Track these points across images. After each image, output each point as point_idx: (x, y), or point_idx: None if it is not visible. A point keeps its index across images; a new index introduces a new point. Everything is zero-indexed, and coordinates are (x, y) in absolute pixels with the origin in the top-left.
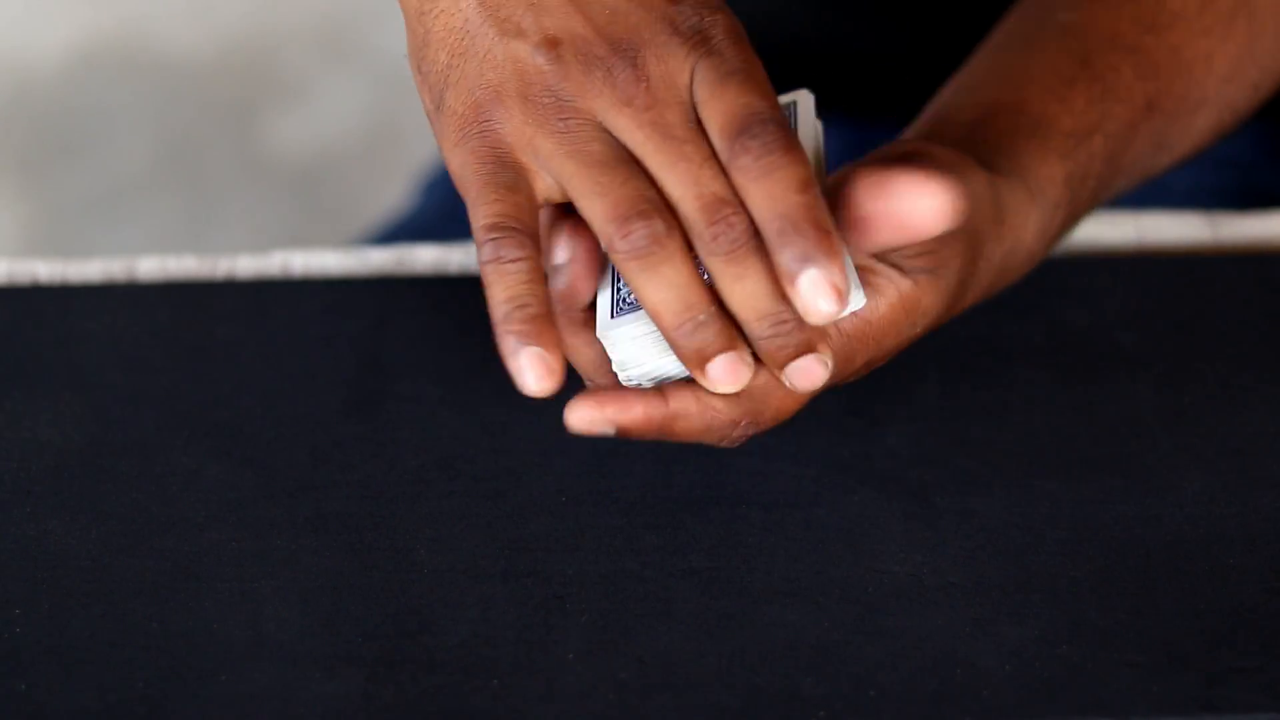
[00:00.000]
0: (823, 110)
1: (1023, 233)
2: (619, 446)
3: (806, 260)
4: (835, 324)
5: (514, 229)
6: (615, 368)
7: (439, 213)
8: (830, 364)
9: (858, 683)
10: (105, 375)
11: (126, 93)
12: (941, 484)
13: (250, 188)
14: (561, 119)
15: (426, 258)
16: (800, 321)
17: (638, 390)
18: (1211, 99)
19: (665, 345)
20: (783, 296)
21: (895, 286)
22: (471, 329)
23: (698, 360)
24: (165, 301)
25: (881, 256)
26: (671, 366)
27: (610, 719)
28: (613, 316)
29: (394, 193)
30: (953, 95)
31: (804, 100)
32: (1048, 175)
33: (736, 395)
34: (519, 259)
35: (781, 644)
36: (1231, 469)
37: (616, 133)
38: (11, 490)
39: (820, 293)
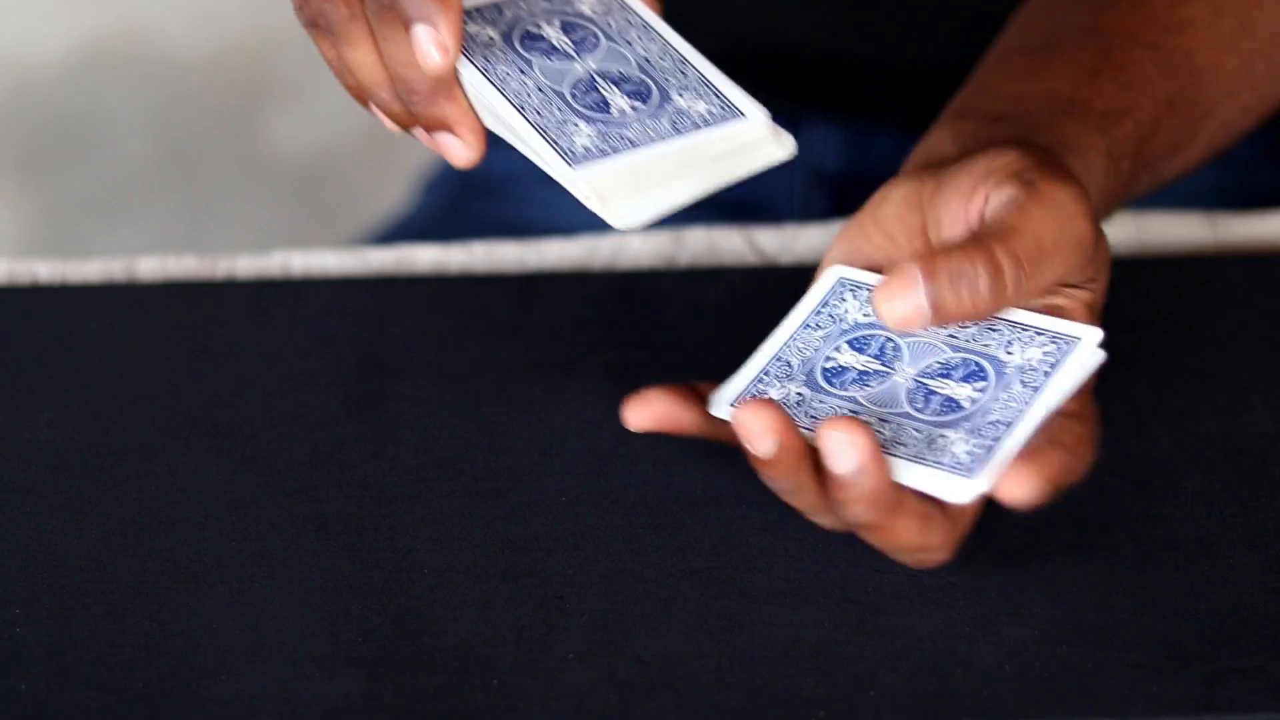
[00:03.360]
0: (821, 113)
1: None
2: (619, 446)
3: (416, 14)
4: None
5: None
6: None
7: (439, 213)
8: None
9: (858, 683)
10: (105, 375)
11: (127, 93)
12: None
13: (250, 188)
14: None
15: (426, 258)
16: (435, 89)
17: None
18: (1215, 112)
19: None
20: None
21: (1079, 302)
22: (471, 329)
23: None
24: (165, 301)
25: (1060, 287)
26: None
27: (610, 719)
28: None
29: (394, 193)
30: (971, 97)
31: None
32: (1092, 145)
33: (946, 514)
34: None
35: (781, 644)
36: (1231, 469)
37: None
38: (11, 490)
39: (426, 48)
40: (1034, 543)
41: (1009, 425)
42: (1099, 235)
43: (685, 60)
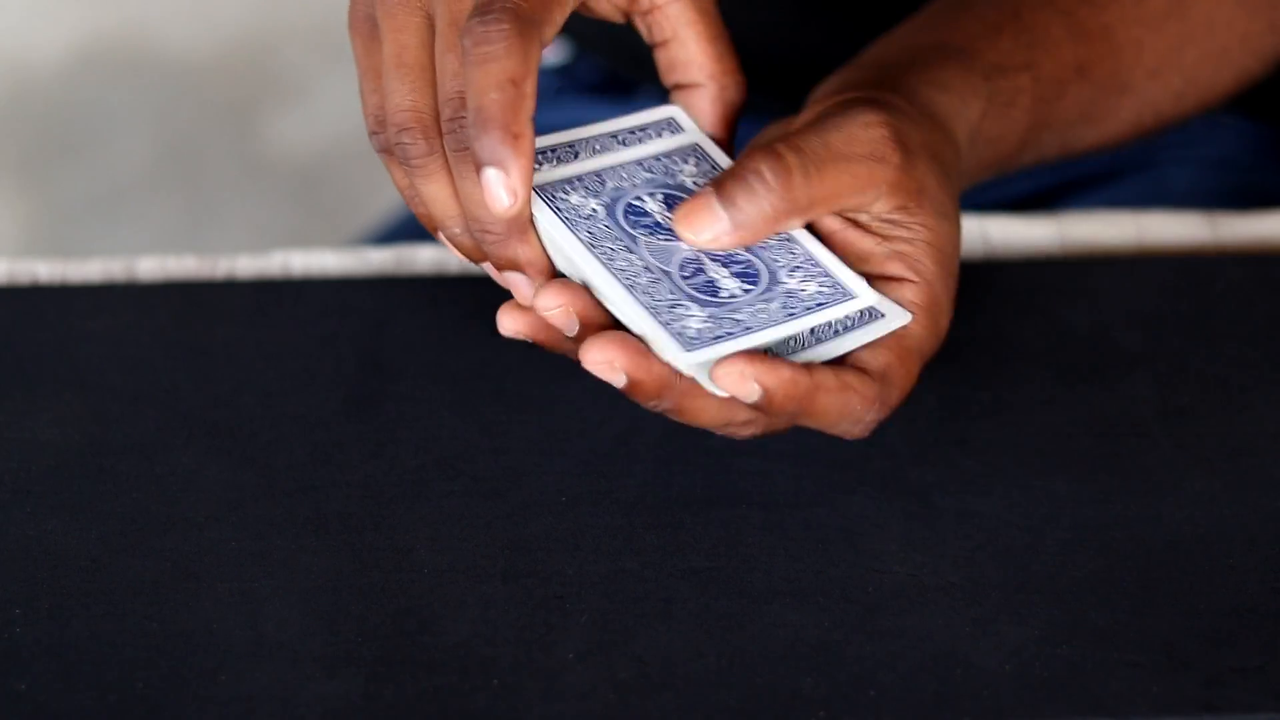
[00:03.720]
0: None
1: (955, 135)
2: (619, 447)
3: (488, 158)
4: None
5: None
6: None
7: None
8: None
9: (858, 683)
10: (105, 375)
11: (126, 93)
12: (941, 484)
13: (250, 188)
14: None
15: (426, 258)
16: (508, 231)
17: (786, 360)
18: (1137, 88)
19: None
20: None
21: (920, 240)
22: (471, 329)
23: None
24: (165, 301)
25: (885, 224)
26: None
27: (610, 719)
28: (686, 349)
29: (394, 193)
30: (874, 47)
31: (677, 114)
32: (970, 85)
33: (869, 372)
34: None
35: (781, 644)
36: (1231, 469)
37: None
38: (11, 490)
39: (496, 190)
40: (1034, 543)
41: (747, 330)
42: (907, 157)
43: (791, 238)
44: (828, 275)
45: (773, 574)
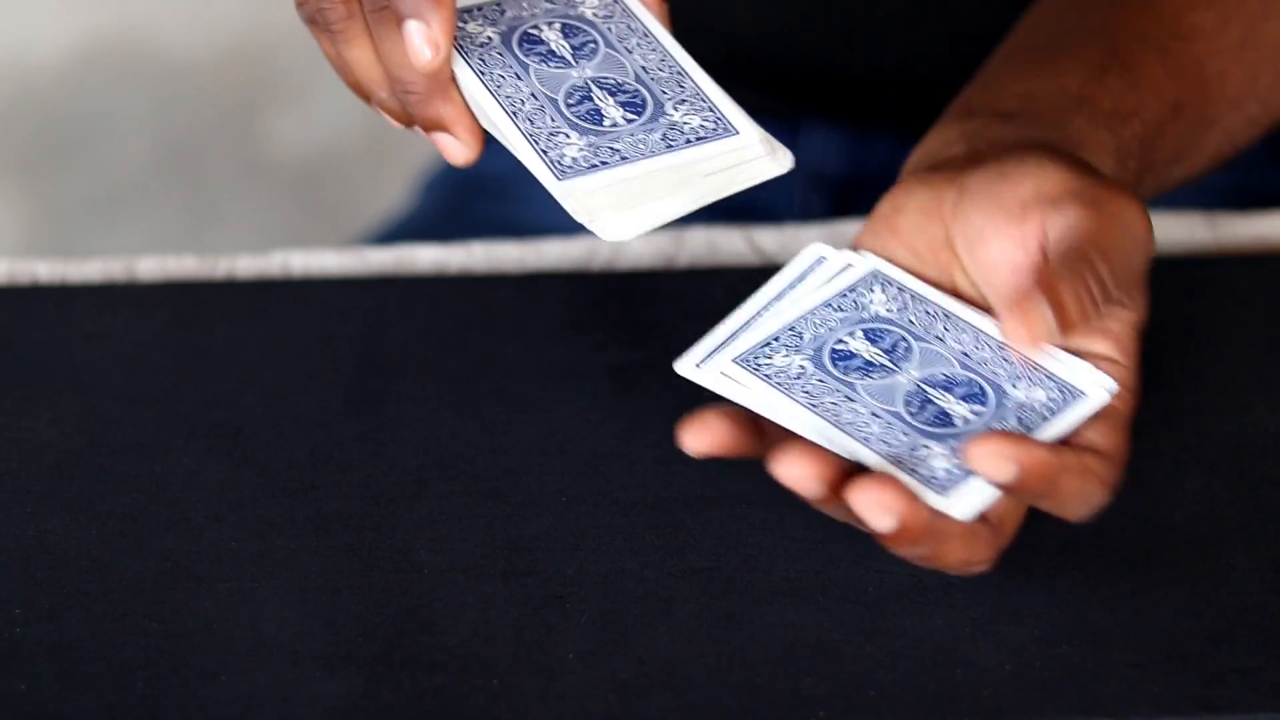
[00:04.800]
0: (821, 117)
1: None
2: (619, 446)
3: (408, 10)
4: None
5: None
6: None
7: (439, 213)
8: None
9: (858, 683)
10: (105, 375)
11: (126, 93)
12: None
13: (250, 188)
14: None
15: (426, 258)
16: (429, 89)
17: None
18: (1221, 121)
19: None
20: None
21: (1124, 322)
22: (471, 329)
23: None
24: (165, 301)
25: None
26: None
27: (610, 719)
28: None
29: (394, 193)
30: (979, 94)
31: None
32: (1101, 143)
33: (1102, 454)
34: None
35: (781, 644)
36: (1231, 469)
37: None
38: (11, 490)
39: (417, 43)
40: (1034, 543)
41: (624, 159)
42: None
43: (684, 72)
44: (713, 110)
45: (773, 574)
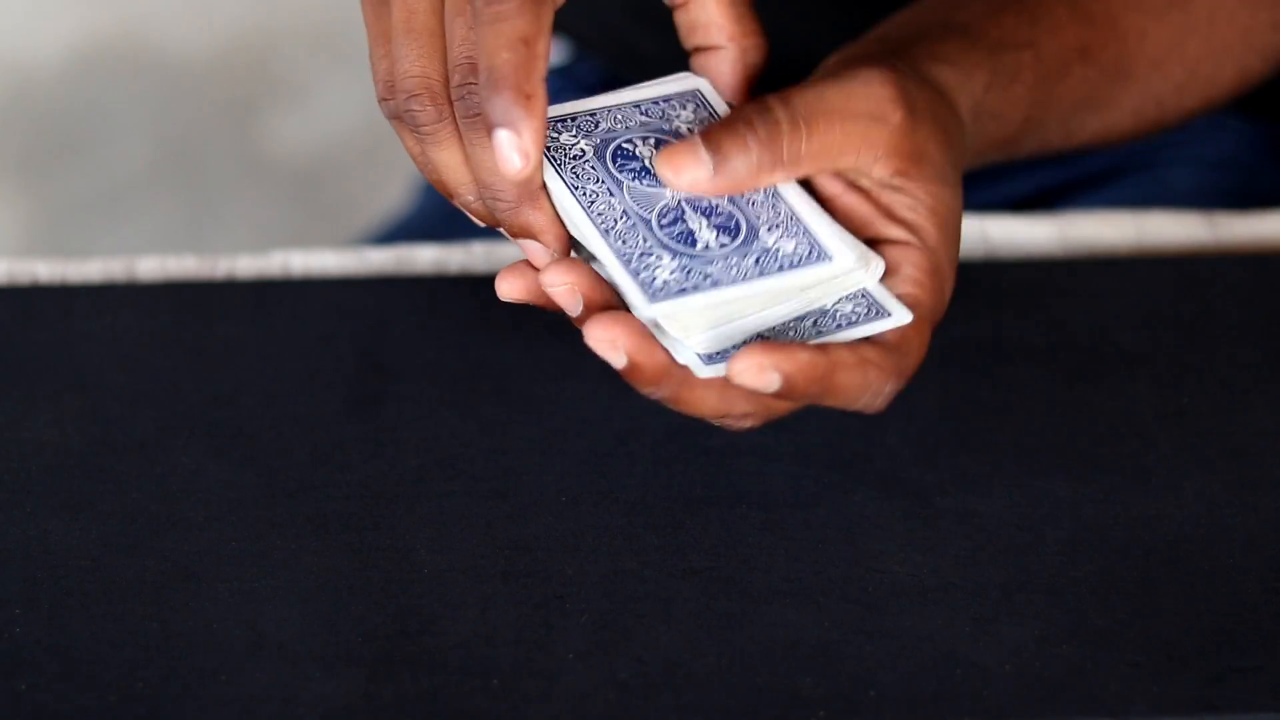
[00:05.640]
0: None
1: (958, 109)
2: (619, 446)
3: (499, 119)
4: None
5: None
6: (677, 344)
7: (439, 213)
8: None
9: (858, 683)
10: (105, 375)
11: (126, 93)
12: (941, 484)
13: (250, 188)
14: None
15: (426, 258)
16: (518, 196)
17: (801, 343)
18: (1139, 77)
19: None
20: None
21: (922, 207)
22: (471, 329)
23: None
24: (165, 301)
25: (886, 190)
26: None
27: (610, 719)
28: (652, 300)
29: (394, 193)
30: (883, 26)
31: (703, 87)
32: (973, 61)
33: (884, 344)
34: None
35: (781, 644)
36: (1231, 469)
37: None
38: (11, 490)
39: (507, 153)
40: (1034, 543)
41: (715, 284)
42: (909, 119)
43: (778, 194)
44: (807, 234)
45: (773, 574)
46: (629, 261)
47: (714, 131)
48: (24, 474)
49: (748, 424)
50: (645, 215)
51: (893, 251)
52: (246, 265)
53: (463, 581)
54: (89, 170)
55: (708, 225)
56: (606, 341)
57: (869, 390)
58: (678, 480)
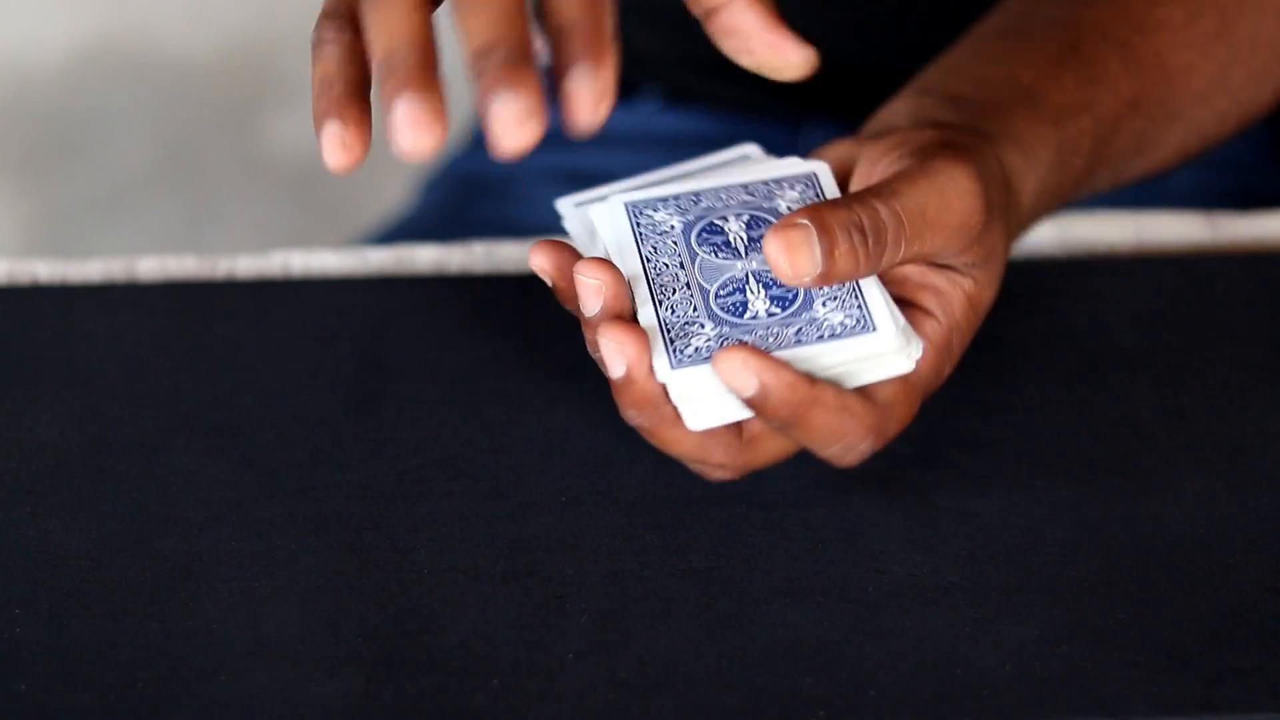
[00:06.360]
0: (823, 117)
1: (1021, 196)
2: (619, 446)
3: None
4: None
5: (331, 14)
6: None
7: (439, 213)
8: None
9: (858, 683)
10: (105, 375)
11: (126, 93)
12: (941, 484)
13: (250, 188)
14: None
15: (426, 258)
16: (513, 53)
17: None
18: (1186, 115)
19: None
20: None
21: (960, 289)
22: (471, 329)
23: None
24: (165, 301)
25: (939, 266)
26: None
27: (610, 719)
28: (673, 366)
29: (394, 193)
30: (938, 74)
31: (821, 172)
32: (1040, 138)
33: (872, 400)
34: (331, 41)
35: (781, 644)
36: (1231, 469)
37: None
38: (11, 490)
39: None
40: (1034, 543)
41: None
42: (989, 222)
43: None
44: (860, 307)
45: (773, 574)
46: (669, 330)
47: (830, 232)
48: (24, 474)
49: (721, 475)
50: (706, 286)
51: (914, 315)
52: (246, 265)
53: (463, 581)
54: (89, 170)
55: (764, 296)
56: (615, 348)
57: (841, 439)
58: (678, 480)
